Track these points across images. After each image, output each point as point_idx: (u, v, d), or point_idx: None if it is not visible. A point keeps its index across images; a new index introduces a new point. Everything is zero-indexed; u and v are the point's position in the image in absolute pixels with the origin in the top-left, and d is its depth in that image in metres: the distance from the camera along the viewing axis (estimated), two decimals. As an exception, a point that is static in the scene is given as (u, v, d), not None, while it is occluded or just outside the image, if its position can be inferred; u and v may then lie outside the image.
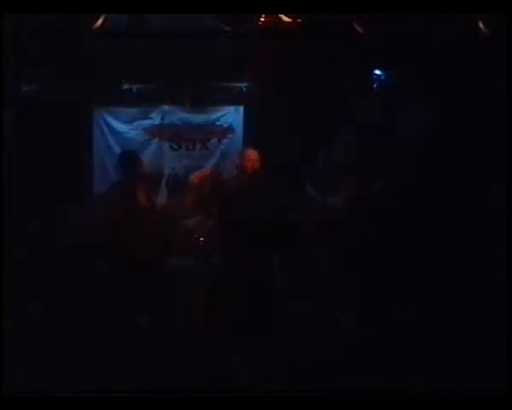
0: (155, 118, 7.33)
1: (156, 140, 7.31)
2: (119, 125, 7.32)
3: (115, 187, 5.89)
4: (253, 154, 5.40)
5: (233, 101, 7.27)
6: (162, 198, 6.05)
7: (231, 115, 7.34)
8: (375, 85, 6.52)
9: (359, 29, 5.51)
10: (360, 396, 3.97)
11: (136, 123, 7.32)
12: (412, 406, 3.91)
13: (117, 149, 7.00)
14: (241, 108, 7.29)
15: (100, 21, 5.35)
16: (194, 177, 5.56)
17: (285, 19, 5.52)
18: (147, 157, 6.77)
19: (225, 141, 7.31)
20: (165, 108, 7.31)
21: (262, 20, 5.63)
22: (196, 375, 4.62)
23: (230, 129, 7.33)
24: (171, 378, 4.57)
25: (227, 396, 3.95)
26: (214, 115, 7.36)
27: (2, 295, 4.40)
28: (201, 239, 5.87)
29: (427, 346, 4.81)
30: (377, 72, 6.50)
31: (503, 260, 4.50)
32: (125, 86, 7.02)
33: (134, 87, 7.05)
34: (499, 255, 4.62)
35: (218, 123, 7.36)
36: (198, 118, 7.34)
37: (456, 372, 4.47)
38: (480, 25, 5.25)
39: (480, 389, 3.96)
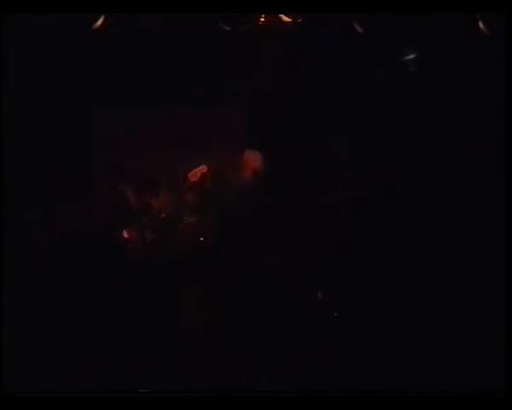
0: (155, 118, 7.31)
1: (156, 140, 7.30)
2: (119, 125, 7.30)
3: (116, 187, 5.89)
4: (253, 154, 5.39)
5: (234, 101, 7.26)
6: (164, 198, 6.05)
7: (232, 115, 7.32)
8: (374, 85, 6.51)
9: (359, 29, 5.52)
10: (360, 396, 3.98)
11: (135, 123, 7.30)
12: (412, 406, 3.91)
13: (117, 150, 6.98)
14: (242, 108, 7.27)
15: (100, 21, 5.36)
16: (193, 174, 5.57)
17: (285, 19, 5.53)
18: (147, 157, 6.76)
19: (226, 141, 7.29)
20: (166, 108, 7.29)
21: (262, 20, 5.64)
22: (196, 375, 4.62)
23: (231, 129, 7.31)
24: (171, 378, 4.57)
25: (227, 396, 3.96)
26: (215, 115, 7.34)
27: (2, 295, 4.40)
28: (201, 238, 5.85)
29: (427, 346, 4.81)
30: (376, 72, 6.49)
31: (503, 260, 4.51)
32: (125, 86, 7.01)
33: (133, 87, 7.03)
34: (499, 256, 4.63)
35: (218, 123, 7.34)
36: (198, 118, 7.32)
37: (456, 372, 4.47)
38: (480, 25, 5.26)
39: (480, 389, 3.97)
